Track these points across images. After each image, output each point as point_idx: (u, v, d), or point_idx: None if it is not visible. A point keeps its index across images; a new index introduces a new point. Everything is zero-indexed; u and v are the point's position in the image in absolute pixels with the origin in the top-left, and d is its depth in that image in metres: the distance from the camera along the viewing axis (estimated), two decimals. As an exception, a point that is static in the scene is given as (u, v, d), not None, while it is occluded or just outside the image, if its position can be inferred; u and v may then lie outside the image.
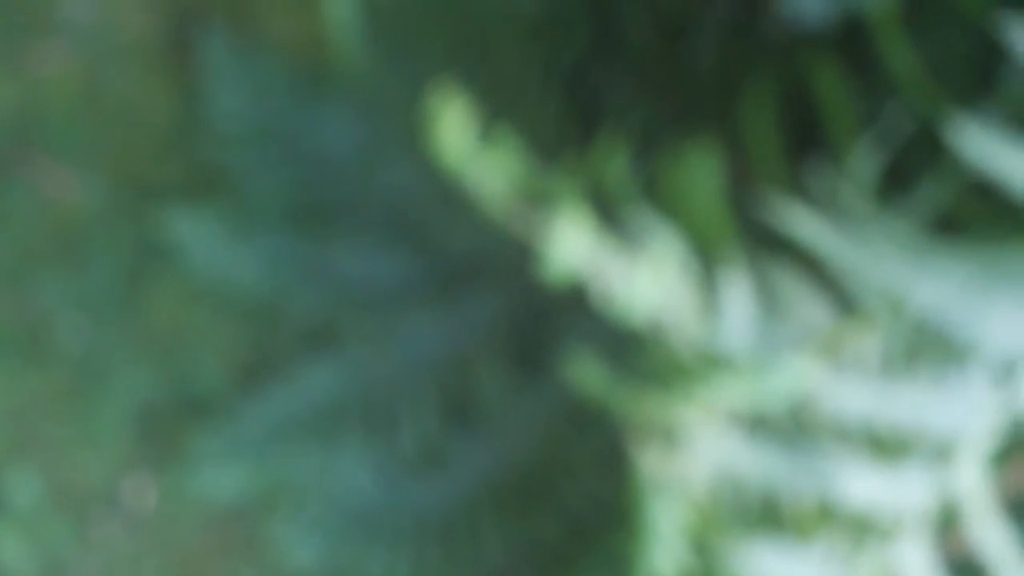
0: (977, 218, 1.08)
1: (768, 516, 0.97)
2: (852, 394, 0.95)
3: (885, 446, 0.95)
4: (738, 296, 0.94)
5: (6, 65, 2.02)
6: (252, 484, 1.70)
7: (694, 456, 0.91)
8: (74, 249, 1.99)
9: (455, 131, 0.84)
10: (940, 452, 0.95)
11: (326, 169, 1.78)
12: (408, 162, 1.75)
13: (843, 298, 1.02)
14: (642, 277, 0.85)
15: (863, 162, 1.08)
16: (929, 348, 1.00)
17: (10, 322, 1.96)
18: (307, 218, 1.77)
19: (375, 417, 1.71)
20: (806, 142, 1.20)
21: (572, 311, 1.64)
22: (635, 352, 1.00)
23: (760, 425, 0.97)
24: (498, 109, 1.17)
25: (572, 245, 0.83)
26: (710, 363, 0.87)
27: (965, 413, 0.95)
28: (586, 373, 0.94)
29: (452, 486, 1.66)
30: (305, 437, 1.70)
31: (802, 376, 0.94)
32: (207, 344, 1.94)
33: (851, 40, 1.29)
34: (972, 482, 0.94)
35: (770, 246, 1.03)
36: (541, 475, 1.64)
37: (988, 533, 0.95)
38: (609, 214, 0.96)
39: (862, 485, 0.94)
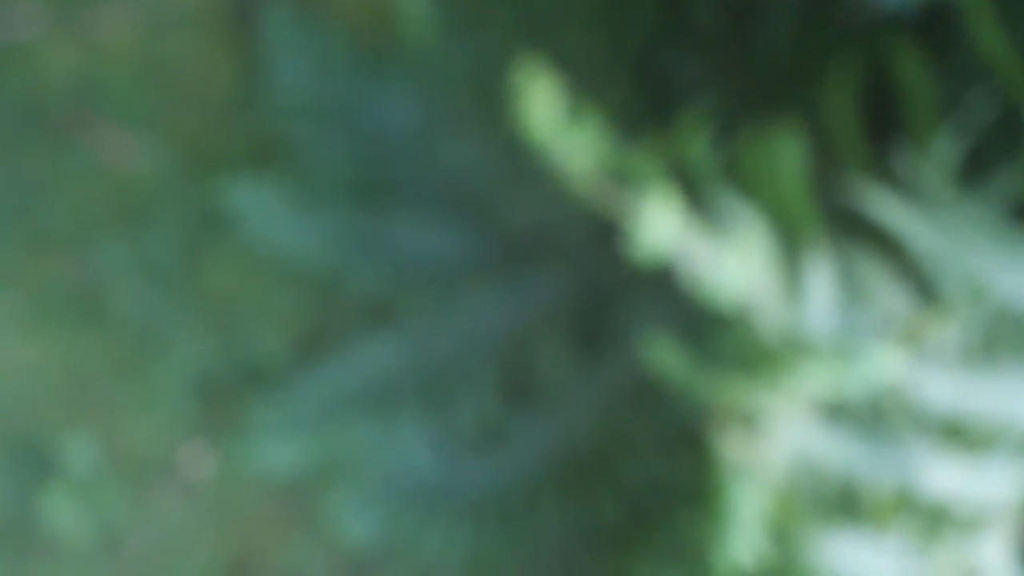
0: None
1: (845, 505, 0.96)
2: (934, 384, 0.94)
3: (967, 437, 0.94)
4: (821, 281, 0.93)
5: (68, 30, 2.02)
6: (309, 456, 1.70)
7: (774, 442, 0.90)
8: (134, 216, 1.99)
9: (543, 106, 0.83)
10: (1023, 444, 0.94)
11: (387, 142, 1.77)
12: (470, 137, 1.74)
13: (924, 284, 1.01)
14: (730, 260, 0.83)
15: (945, 147, 1.07)
16: (1011, 337, 0.98)
17: (69, 287, 1.96)
18: (367, 191, 1.76)
19: (433, 393, 1.70)
20: (885, 126, 1.18)
21: (634, 290, 1.63)
22: (708, 333, 0.98)
23: (840, 412, 0.96)
24: (565, 87, 1.15)
25: (661, 225, 0.82)
26: (795, 349, 0.86)
27: (1049, 405, 0.94)
28: (664, 354, 0.93)
29: (510, 464, 1.65)
30: (363, 411, 1.69)
31: (884, 364, 0.93)
32: (266, 314, 1.94)
33: (931, 23, 1.27)
34: (1056, 475, 0.93)
35: (850, 230, 1.01)
36: (601, 455, 1.63)
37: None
38: (689, 194, 0.95)
39: (943, 476, 0.93)
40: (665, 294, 1.56)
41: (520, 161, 1.75)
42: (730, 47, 1.53)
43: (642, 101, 1.56)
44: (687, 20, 1.59)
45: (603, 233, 1.69)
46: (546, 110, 0.83)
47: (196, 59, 1.99)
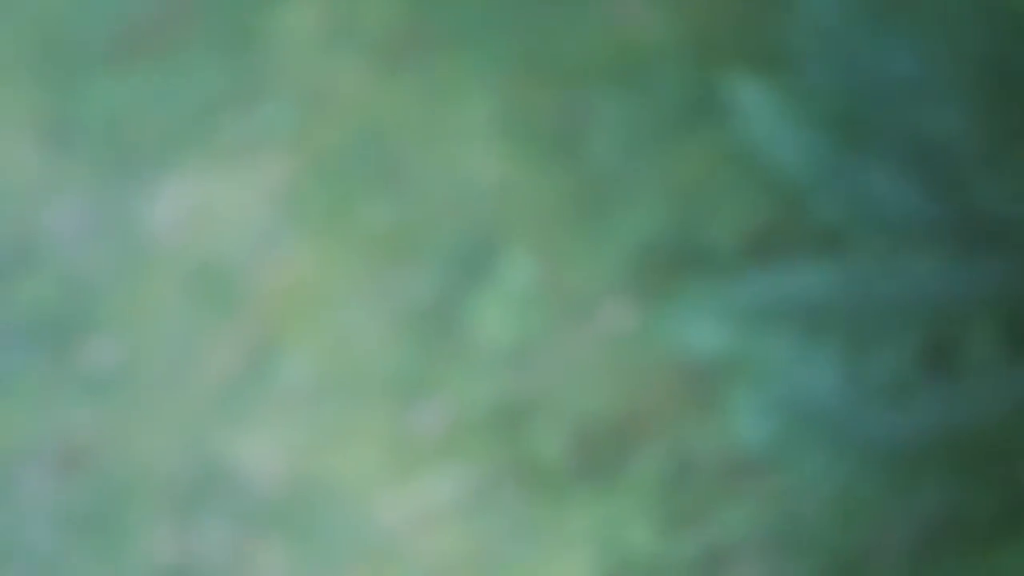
0: None
1: None
2: None
3: None
4: None
5: None
6: (726, 349, 1.72)
7: None
8: (628, 77, 2.03)
9: None
10: None
11: (882, 89, 1.78)
12: (958, 106, 1.74)
13: None
14: None
15: None
16: None
17: (552, 120, 2.01)
18: (853, 127, 1.78)
19: (858, 334, 1.72)
20: None
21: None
22: None
23: None
24: None
25: None
26: None
27: None
28: None
29: (910, 426, 1.67)
30: (788, 325, 1.72)
31: None
32: (726, 206, 1.96)
33: None
34: None
35: None
36: (1000, 445, 1.64)
37: None
38: None
39: None
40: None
41: (1002, 141, 1.75)
42: None
43: None
44: None
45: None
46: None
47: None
